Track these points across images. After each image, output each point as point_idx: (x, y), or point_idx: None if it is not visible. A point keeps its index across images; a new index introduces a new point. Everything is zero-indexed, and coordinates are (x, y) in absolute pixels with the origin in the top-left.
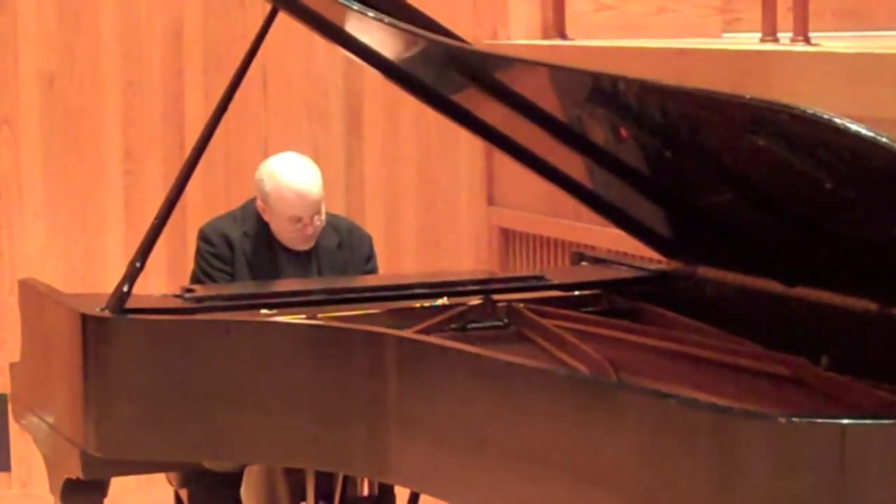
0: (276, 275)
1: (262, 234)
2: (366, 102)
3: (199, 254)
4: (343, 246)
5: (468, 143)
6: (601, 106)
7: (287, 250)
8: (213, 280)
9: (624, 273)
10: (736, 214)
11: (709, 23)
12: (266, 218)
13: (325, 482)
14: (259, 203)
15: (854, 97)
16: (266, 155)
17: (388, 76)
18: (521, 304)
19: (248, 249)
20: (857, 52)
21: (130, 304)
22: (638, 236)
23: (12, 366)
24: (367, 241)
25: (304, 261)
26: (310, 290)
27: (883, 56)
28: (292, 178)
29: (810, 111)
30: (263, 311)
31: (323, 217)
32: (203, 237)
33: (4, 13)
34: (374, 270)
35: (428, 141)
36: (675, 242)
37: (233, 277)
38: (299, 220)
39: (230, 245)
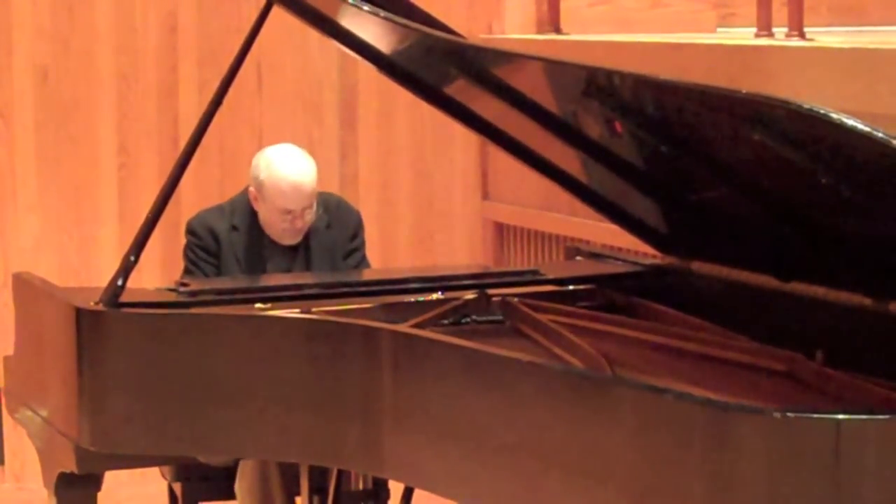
0: (263, 263)
1: (250, 225)
2: (360, 96)
3: (187, 247)
4: (332, 226)
5: (463, 138)
6: (596, 100)
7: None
8: (202, 272)
9: (619, 268)
10: (731, 209)
11: (703, 17)
12: (256, 207)
13: (319, 476)
14: (252, 191)
15: (849, 92)
16: (260, 148)
17: (383, 70)
18: (516, 299)
19: (236, 241)
20: (852, 48)
21: (125, 297)
22: (633, 231)
23: (6, 359)
24: (354, 217)
25: (292, 247)
26: (304, 285)
27: (878, 51)
28: (288, 169)
29: (806, 106)
30: (258, 305)
31: (313, 213)
32: (189, 230)
33: None
34: (358, 248)
35: (422, 135)
36: (669, 237)
37: (219, 269)
38: (290, 212)
39: (216, 238)
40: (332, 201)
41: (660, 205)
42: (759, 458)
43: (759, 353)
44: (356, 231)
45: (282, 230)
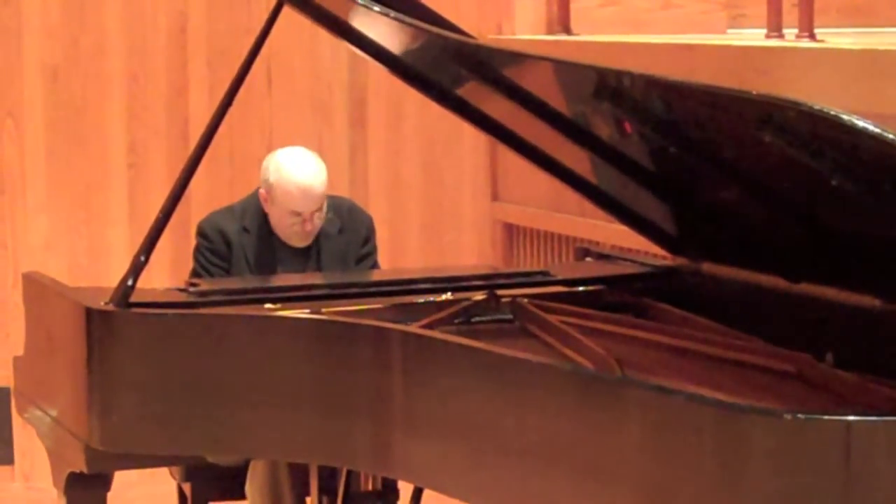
0: (274, 266)
1: (261, 227)
2: (370, 97)
3: (197, 249)
4: (344, 230)
5: (472, 138)
6: (606, 101)
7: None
8: (211, 275)
9: (628, 269)
10: (741, 210)
11: (714, 18)
12: (267, 209)
13: (328, 477)
14: (262, 192)
15: (859, 93)
16: (270, 149)
17: (393, 71)
18: (526, 300)
19: (247, 243)
20: (862, 49)
21: (134, 297)
22: (642, 232)
23: (16, 359)
24: (366, 222)
25: (304, 251)
26: (314, 285)
27: (888, 53)
28: (298, 172)
29: (817, 107)
30: (267, 305)
31: (323, 215)
32: (200, 232)
33: (9, 6)
34: (371, 253)
35: (432, 136)
36: (679, 238)
37: (229, 272)
38: (299, 214)
39: (226, 240)
40: (345, 206)
41: (670, 206)
42: (769, 460)
43: (768, 354)
44: (368, 236)
45: (291, 232)
